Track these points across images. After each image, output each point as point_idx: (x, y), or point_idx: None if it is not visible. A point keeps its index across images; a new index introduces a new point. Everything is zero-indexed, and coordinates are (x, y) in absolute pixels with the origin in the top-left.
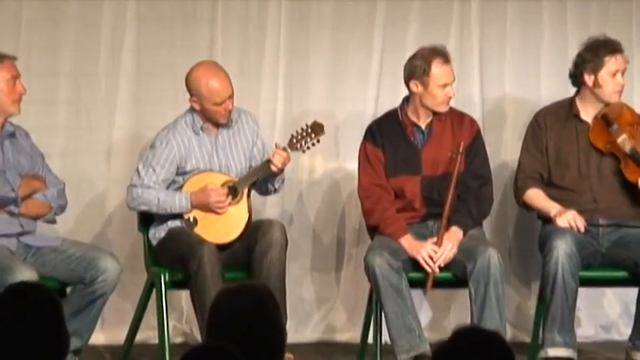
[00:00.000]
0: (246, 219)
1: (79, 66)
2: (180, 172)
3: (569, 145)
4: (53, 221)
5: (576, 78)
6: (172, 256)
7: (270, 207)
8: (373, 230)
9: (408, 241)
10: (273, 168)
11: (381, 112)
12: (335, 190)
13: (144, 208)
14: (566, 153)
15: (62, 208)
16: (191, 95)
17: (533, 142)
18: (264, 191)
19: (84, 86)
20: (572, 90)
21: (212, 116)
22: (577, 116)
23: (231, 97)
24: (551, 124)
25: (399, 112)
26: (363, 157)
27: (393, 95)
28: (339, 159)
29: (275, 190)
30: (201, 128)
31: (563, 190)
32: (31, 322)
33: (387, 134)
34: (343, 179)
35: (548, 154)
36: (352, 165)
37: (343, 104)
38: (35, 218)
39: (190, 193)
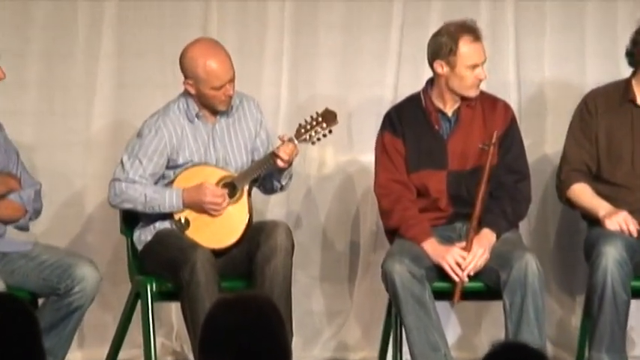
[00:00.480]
0: (247, 220)
1: (51, 44)
2: (171, 165)
3: (622, 134)
4: (26, 228)
5: (633, 57)
6: (161, 262)
7: (274, 206)
8: (392, 233)
9: (432, 246)
10: (279, 163)
11: (401, 98)
12: (348, 187)
13: (128, 206)
14: (618, 143)
15: (37, 213)
16: (186, 77)
17: (581, 128)
18: (268, 189)
19: (57, 67)
20: (623, 72)
21: (209, 102)
22: (633, 101)
23: (232, 80)
24: (603, 110)
25: (422, 97)
26: (381, 148)
27: (414, 78)
28: (353, 151)
29: (281, 188)
30: (197, 115)
31: (613, 187)
32: (1, 338)
33: (408, 122)
34: (358, 174)
35: (598, 144)
36: (368, 158)
37: (357, 88)
38: (7, 222)
39: (182, 189)
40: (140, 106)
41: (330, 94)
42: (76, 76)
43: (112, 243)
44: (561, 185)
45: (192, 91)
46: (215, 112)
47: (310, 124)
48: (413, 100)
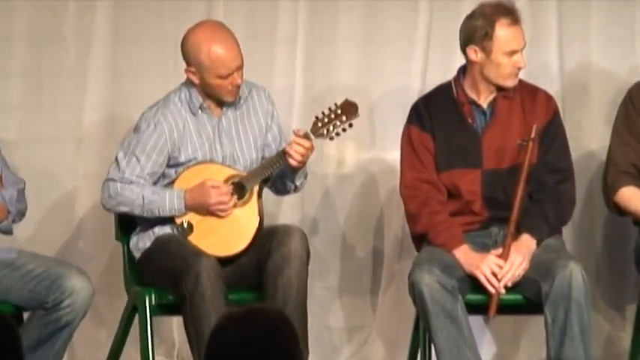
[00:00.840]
0: (257, 225)
1: (39, 28)
2: (173, 163)
3: None
4: (9, 231)
5: None
6: (161, 272)
7: (287, 209)
8: (420, 239)
9: (465, 254)
10: (292, 162)
11: (429, 87)
12: (371, 188)
13: (124, 209)
14: None
15: (22, 214)
16: (188, 65)
17: (627, 125)
18: (281, 190)
19: (46, 54)
20: None
21: (215, 92)
22: None
23: (239, 68)
24: None
25: (454, 87)
26: (407, 145)
27: (445, 65)
28: (376, 147)
29: (295, 189)
30: (201, 107)
31: None
32: None
33: (437, 115)
34: (381, 174)
35: None
36: (392, 155)
37: (381, 77)
38: None
39: (185, 190)
40: (137, 97)
41: (351, 84)
42: (66, 63)
43: (106, 250)
44: (608, 190)
45: (196, 80)
46: (221, 104)
47: (328, 117)
48: (443, 91)
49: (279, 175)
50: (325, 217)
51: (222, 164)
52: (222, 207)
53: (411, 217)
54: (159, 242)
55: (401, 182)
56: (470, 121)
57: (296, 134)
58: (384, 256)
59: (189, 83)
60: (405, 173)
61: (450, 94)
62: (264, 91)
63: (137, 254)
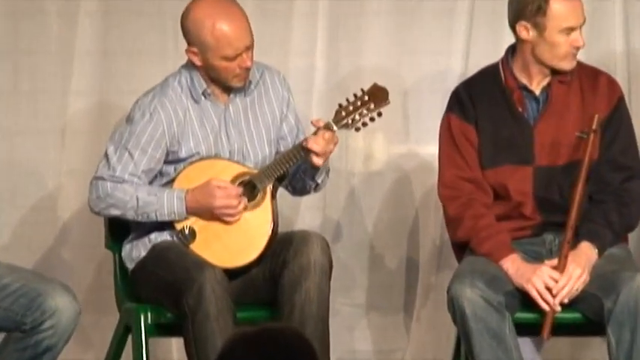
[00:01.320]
0: (270, 231)
1: (16, 1)
2: (172, 159)
3: None
4: None
5: None
6: (158, 285)
7: (306, 212)
8: (462, 248)
9: (514, 265)
10: (314, 158)
11: (472, 71)
12: (404, 188)
13: (115, 212)
14: None
15: None
16: (189, 44)
17: None
18: (299, 189)
19: (24, 30)
20: None
21: (221, 76)
22: None
23: (249, 48)
24: None
25: (501, 70)
26: (447, 137)
27: (490, 45)
28: (410, 140)
29: (315, 187)
30: (204, 94)
31: None
32: None
33: (482, 103)
34: (416, 171)
35: None
36: (429, 149)
37: (416, 58)
38: None
39: (186, 191)
40: (131, 81)
41: (380, 66)
42: (48, 40)
43: (95, 261)
44: None
45: (198, 62)
46: (228, 90)
47: (353, 104)
48: (489, 74)
49: (296, 172)
50: (350, 222)
51: (229, 160)
52: (229, 210)
53: (450, 222)
54: (156, 251)
55: (439, 181)
56: (520, 109)
57: (315, 124)
58: (419, 267)
59: (190, 66)
60: (444, 170)
61: (497, 79)
62: (278, 75)
63: (130, 265)
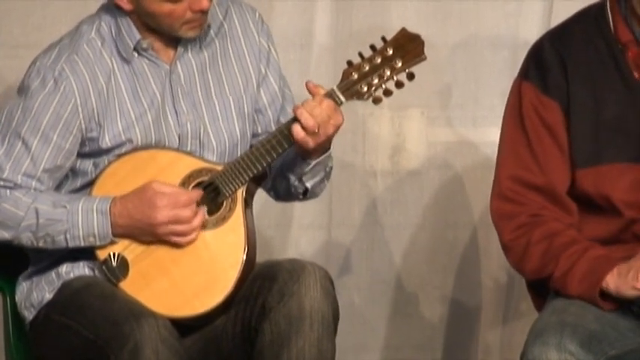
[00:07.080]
0: (242, 261)
1: None
2: (90, 150)
3: None
4: None
5: None
6: (71, 345)
7: (300, 232)
8: (541, 288)
9: (615, 277)
10: (301, 136)
11: (559, 17)
12: (452, 196)
13: (3, 235)
14: None
15: None
16: None
17: None
18: (283, 193)
19: None
20: None
21: (164, 24)
22: None
23: None
24: None
25: (609, 15)
26: (513, 118)
27: None
28: (460, 123)
29: (305, 194)
30: (138, 49)
31: None
32: None
33: (577, 65)
34: (470, 170)
35: None
36: (490, 137)
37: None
38: None
39: (112, 200)
40: (25, 32)
41: (412, 19)
42: None
43: None
44: None
45: (127, 5)
46: (175, 41)
47: (370, 61)
48: (588, 20)
49: (282, 166)
50: (368, 248)
51: (178, 151)
52: (179, 227)
53: (509, 253)
54: (67, 293)
55: (493, 189)
56: (637, 76)
57: (313, 92)
58: (475, 317)
59: (115, 8)
60: (502, 171)
61: (602, 28)
62: (252, 14)
63: (29, 313)
